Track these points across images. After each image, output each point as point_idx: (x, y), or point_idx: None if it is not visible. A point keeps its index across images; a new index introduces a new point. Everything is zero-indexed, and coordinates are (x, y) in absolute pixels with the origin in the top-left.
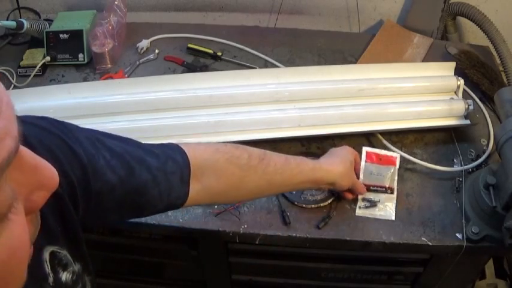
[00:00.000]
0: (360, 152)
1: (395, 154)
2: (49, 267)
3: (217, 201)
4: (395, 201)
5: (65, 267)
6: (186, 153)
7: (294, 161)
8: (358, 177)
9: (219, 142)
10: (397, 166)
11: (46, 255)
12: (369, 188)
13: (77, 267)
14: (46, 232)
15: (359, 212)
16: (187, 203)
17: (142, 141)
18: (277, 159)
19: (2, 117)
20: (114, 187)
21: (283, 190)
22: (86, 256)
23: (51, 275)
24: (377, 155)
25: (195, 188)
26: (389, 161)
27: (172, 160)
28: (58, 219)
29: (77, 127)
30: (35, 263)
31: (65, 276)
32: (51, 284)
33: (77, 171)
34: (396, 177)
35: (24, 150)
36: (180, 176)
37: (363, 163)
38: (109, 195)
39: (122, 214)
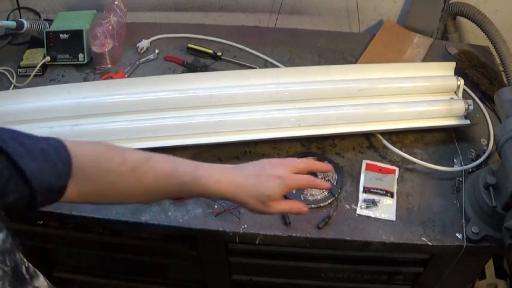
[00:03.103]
0: (358, 163)
1: (394, 167)
2: None
3: (95, 201)
4: (395, 203)
5: None
6: (62, 141)
7: (184, 169)
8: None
9: (102, 141)
10: (397, 176)
11: None
12: (369, 190)
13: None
14: None
15: (359, 211)
16: (65, 195)
17: (143, 141)
18: (161, 167)
19: None
20: None
21: (168, 198)
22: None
23: None
24: (376, 166)
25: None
26: (389, 171)
27: (46, 140)
28: None
29: None
30: None
31: None
32: None
33: None
34: (396, 185)
35: None
36: (58, 154)
37: (363, 170)
38: None
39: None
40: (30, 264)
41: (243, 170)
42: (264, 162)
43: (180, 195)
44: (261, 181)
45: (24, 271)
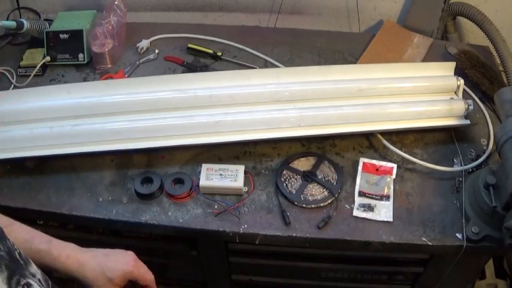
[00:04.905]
0: (357, 163)
1: (393, 164)
2: None
3: None
4: (391, 207)
5: None
6: None
7: (40, 239)
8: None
9: None
10: (394, 176)
11: None
12: (364, 194)
13: None
14: None
15: (356, 213)
16: None
17: (143, 141)
18: (20, 234)
19: None
20: None
21: None
22: None
23: None
24: (374, 165)
25: None
26: (386, 172)
27: None
28: None
29: None
30: None
31: None
32: None
33: None
34: (392, 186)
35: None
36: None
37: (359, 172)
38: None
39: None
40: (21, 251)
41: (93, 251)
42: (118, 249)
43: (35, 262)
44: (106, 262)
45: (17, 256)
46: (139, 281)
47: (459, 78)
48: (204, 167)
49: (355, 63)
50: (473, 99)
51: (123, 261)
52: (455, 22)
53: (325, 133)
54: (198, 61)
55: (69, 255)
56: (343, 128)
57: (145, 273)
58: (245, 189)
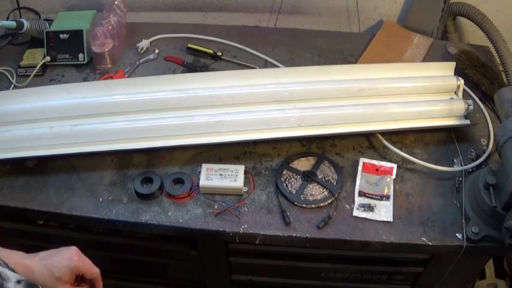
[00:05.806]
0: (357, 163)
1: (392, 164)
2: None
3: None
4: (391, 207)
5: None
6: None
7: None
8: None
9: None
10: (394, 176)
11: None
12: (365, 194)
13: None
14: None
15: (356, 213)
16: None
17: (142, 141)
18: None
19: None
20: None
21: None
22: None
23: None
24: (374, 165)
25: None
26: (386, 172)
27: None
28: None
29: None
30: None
31: None
32: None
33: None
34: (392, 186)
35: None
36: None
37: (359, 172)
38: None
39: None
40: None
41: (39, 254)
42: (62, 247)
43: None
44: (52, 262)
45: None
46: (85, 275)
47: (459, 78)
48: (204, 167)
49: (355, 63)
50: (473, 99)
51: (67, 257)
52: (455, 22)
53: (325, 133)
54: (198, 61)
55: (17, 262)
56: (343, 128)
57: (90, 267)
58: (245, 189)
